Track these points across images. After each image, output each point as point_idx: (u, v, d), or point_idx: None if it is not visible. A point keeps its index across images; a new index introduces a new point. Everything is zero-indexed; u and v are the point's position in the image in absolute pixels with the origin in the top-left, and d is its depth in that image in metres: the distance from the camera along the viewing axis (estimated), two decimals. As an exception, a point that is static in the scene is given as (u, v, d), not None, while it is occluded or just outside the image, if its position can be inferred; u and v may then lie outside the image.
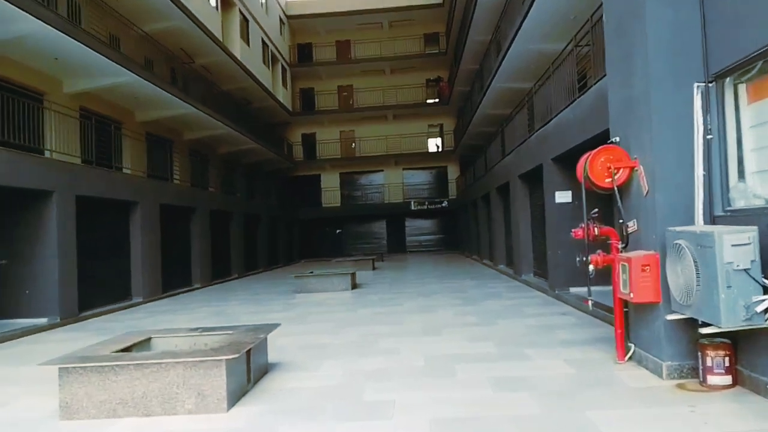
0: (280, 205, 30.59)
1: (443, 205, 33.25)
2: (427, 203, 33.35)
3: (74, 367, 4.60)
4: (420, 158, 34.49)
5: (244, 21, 25.34)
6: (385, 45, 34.25)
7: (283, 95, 31.62)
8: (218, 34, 21.69)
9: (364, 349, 7.12)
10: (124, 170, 15.25)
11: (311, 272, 15.41)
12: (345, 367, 6.13)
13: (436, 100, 34.33)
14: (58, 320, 10.60)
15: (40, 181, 10.61)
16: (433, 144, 35.33)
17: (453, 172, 34.75)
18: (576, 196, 10.49)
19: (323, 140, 34.90)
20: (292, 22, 33.87)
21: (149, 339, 5.78)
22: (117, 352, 5.13)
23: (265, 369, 6.00)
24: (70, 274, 11.19)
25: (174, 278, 16.59)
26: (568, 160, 10.14)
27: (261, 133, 27.49)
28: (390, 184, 34.80)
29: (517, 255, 14.60)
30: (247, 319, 10.49)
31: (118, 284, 13.73)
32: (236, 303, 13.28)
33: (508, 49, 15.09)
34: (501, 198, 17.87)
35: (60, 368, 4.62)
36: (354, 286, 15.34)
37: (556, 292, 10.62)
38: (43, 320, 10.44)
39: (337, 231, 35.19)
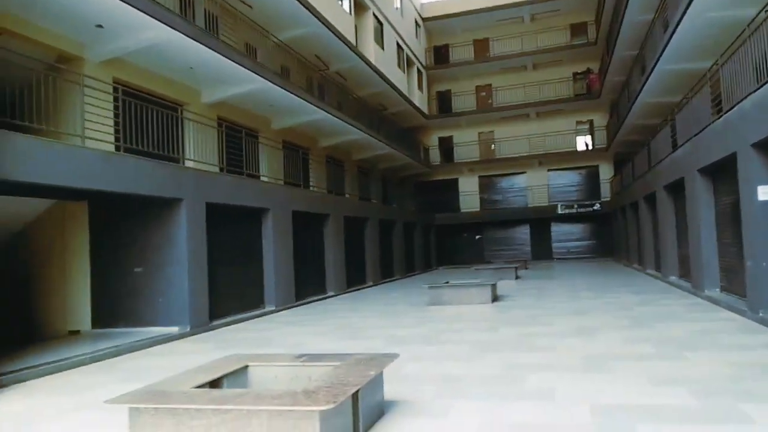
0: (416, 210, 29.76)
1: (594, 207, 30.07)
2: (576, 206, 30.40)
3: (145, 408, 3.76)
4: (567, 158, 31.63)
5: (378, 25, 24.92)
6: (527, 39, 32.05)
7: (419, 99, 30.84)
8: (351, 39, 21.38)
9: (508, 387, 5.63)
10: (262, 178, 15.27)
11: (447, 282, 14.11)
12: (482, 415, 4.72)
13: (585, 93, 31.29)
14: (188, 329, 10.45)
15: (172, 189, 10.58)
16: (582, 142, 32.21)
17: (606, 172, 31.37)
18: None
19: (461, 143, 33.53)
20: (428, 24, 33.02)
21: (246, 367, 4.87)
22: (204, 385, 4.25)
23: (381, 411, 4.79)
24: (200, 282, 11.06)
25: (307, 286, 16.28)
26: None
27: (396, 138, 26.90)
28: (533, 187, 32.37)
29: (697, 265, 11.99)
30: (373, 333, 9.47)
31: (250, 292, 13.57)
32: (366, 314, 12.39)
33: (680, 20, 12.57)
34: (671, 197, 15.11)
35: (130, 408, 3.81)
36: (494, 298, 13.76)
37: (761, 314, 8.18)
38: (174, 329, 10.35)
39: (477, 237, 33.51)
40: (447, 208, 33.22)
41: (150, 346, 9.33)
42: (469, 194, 33.37)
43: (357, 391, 4.04)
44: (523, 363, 6.65)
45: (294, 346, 8.79)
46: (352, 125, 19.76)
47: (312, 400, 3.54)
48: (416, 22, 31.42)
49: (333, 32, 18.67)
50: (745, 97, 8.46)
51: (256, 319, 12.61)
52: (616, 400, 4.93)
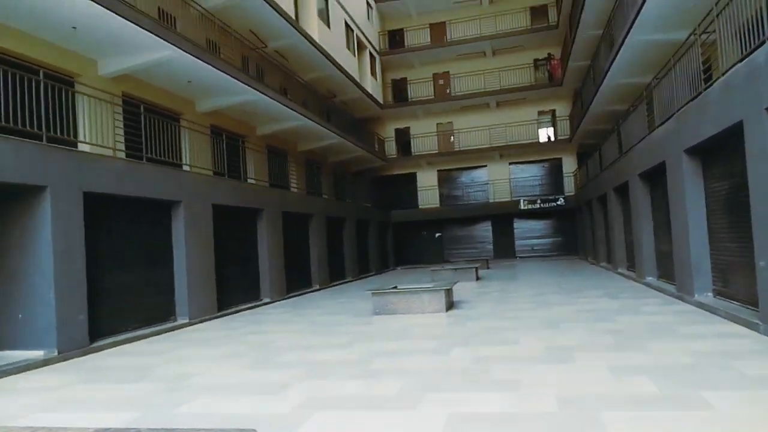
0: (372, 206, 27.64)
1: (558, 202, 28.52)
2: (539, 201, 28.79)
3: None
4: (529, 150, 30.00)
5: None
6: (485, 23, 30.25)
7: (372, 86, 28.69)
8: (291, 13, 19.06)
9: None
10: (185, 167, 13.00)
11: (394, 287, 12.03)
12: None
13: (547, 81, 29.72)
14: (56, 353, 8.05)
15: (35, 174, 8.16)
16: (545, 134, 30.65)
17: (569, 165, 29.91)
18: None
19: (418, 134, 31.54)
20: (381, 6, 30.85)
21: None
22: None
23: None
24: (74, 293, 8.62)
25: (235, 293, 13.97)
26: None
27: (349, 129, 24.72)
28: (495, 181, 30.65)
29: (683, 265, 10.21)
30: (292, 358, 7.28)
31: (154, 303, 11.16)
32: (296, 328, 10.16)
33: None
34: (647, 186, 13.39)
35: None
36: (450, 305, 11.75)
37: (779, 328, 6.35)
38: (38, 353, 7.98)
39: (436, 235, 31.62)
40: (405, 205, 31.26)
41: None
42: (428, 189, 31.45)
43: None
44: (479, 414, 4.57)
45: (175, 379, 6.53)
46: (293, 109, 17.47)
47: None
48: (368, 2, 29.23)
49: (268, 2, 16.35)
50: (761, 44, 6.58)
51: (160, 336, 10.24)
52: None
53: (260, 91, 15.27)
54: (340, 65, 22.47)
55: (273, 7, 16.70)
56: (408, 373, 6.14)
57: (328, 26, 22.67)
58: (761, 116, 6.50)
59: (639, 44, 14.13)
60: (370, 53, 29.03)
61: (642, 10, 12.41)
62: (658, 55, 14.28)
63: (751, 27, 7.07)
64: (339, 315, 11.81)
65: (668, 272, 12.12)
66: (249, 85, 14.68)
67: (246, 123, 17.56)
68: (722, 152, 8.63)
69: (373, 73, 29.49)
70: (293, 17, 19.21)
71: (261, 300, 15.17)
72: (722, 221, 8.86)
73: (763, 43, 6.36)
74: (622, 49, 14.59)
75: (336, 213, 21.54)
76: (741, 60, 7.01)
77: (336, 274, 21.35)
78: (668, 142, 10.57)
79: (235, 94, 14.94)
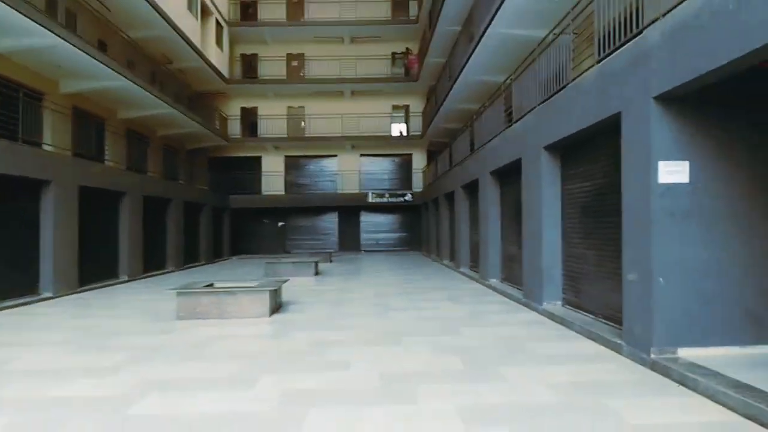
0: (209, 189, 24.63)
1: (406, 198, 27.99)
2: (387, 195, 28.00)
3: None
4: (381, 143, 29.07)
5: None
6: (346, 8, 28.68)
7: (218, 58, 25.62)
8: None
9: None
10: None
11: (210, 284, 9.82)
12: None
13: (403, 76, 29.02)
14: None
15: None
16: (397, 129, 29.95)
17: (419, 161, 29.57)
18: (704, 170, 5.42)
19: (266, 115, 29.02)
20: (233, -31, 27.88)
21: None
22: None
23: None
24: None
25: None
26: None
27: (187, 102, 21.60)
28: (344, 172, 29.28)
29: (531, 270, 9.42)
30: (15, 394, 4.87)
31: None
32: (54, 338, 7.55)
33: None
34: (498, 184, 12.69)
35: None
36: (276, 308, 9.88)
37: (653, 356, 5.44)
38: None
39: (279, 224, 29.41)
40: (247, 190, 28.60)
41: None
42: (273, 175, 29.10)
43: None
44: None
45: None
46: (106, 65, 14.19)
47: None
48: (218, -39, 26.10)
49: None
50: (653, 21, 5.64)
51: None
52: None
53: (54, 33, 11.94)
54: (176, 25, 19.31)
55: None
56: (184, 427, 4.15)
57: (164, -24, 19.37)
58: (645, 107, 5.55)
59: (499, 37, 13.46)
60: (217, 21, 25.91)
61: (504, 2, 11.63)
62: (519, 53, 13.80)
63: (629, 15, 6.19)
64: (133, 318, 9.30)
65: (514, 276, 11.45)
66: (38, 22, 11.33)
67: (42, 75, 13.90)
68: (586, 150, 7.82)
69: (219, 43, 26.39)
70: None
71: (40, 295, 11.92)
72: (579, 226, 8.09)
73: (656, 20, 5.39)
74: (482, 40, 13.84)
75: (158, 193, 18.46)
76: (627, 42, 6.05)
77: (155, 263, 18.30)
78: (527, 138, 9.73)
79: (29, 34, 11.51)
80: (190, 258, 21.72)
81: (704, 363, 5.02)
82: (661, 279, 5.34)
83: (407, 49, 29.39)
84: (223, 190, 26.69)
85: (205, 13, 24.38)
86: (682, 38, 4.89)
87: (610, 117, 6.40)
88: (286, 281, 10.84)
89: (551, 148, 8.76)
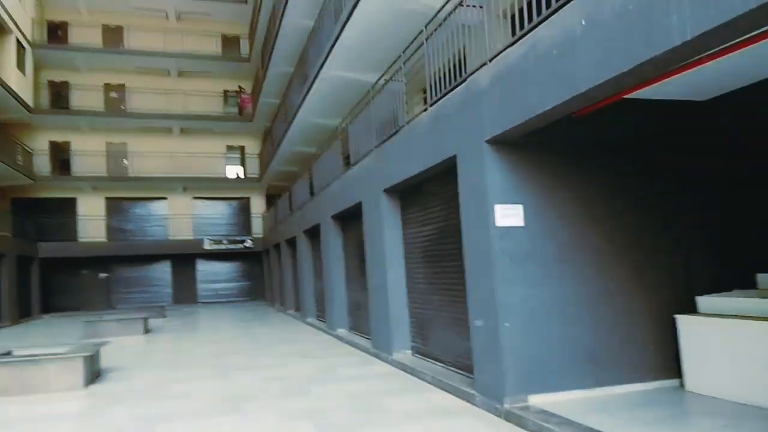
0: (13, 236, 20.94)
1: (246, 244, 26.63)
2: (225, 242, 26.39)
3: None
4: (216, 185, 27.54)
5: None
6: (172, 40, 27.02)
7: (19, 82, 22.33)
8: None
9: None
10: None
11: (7, 353, 7.99)
12: None
13: (237, 115, 28.04)
14: None
15: None
16: (233, 170, 28.68)
17: (258, 205, 28.46)
18: (538, 212, 5.54)
19: (82, 151, 25.77)
20: (38, -11, 24.88)
21: None
22: None
23: None
24: None
25: None
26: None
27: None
28: (176, 216, 27.07)
29: (378, 318, 9.14)
30: None
31: None
32: None
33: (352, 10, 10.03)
34: (341, 228, 12.39)
35: None
36: (94, 377, 8.35)
37: (506, 406, 5.32)
38: None
39: (101, 275, 26.08)
40: (61, 236, 24.91)
41: None
42: (92, 219, 25.82)
43: None
44: None
45: None
46: None
47: None
48: (16, -22, 23.09)
49: None
50: (481, 66, 5.71)
51: None
52: None
53: None
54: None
55: None
56: None
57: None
58: (477, 149, 5.57)
59: (333, 80, 13.41)
60: (18, 41, 22.68)
61: (336, 45, 11.60)
62: (354, 97, 13.83)
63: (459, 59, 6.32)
64: None
65: (362, 324, 11.10)
66: None
67: None
68: (424, 193, 7.81)
69: (21, 66, 23.07)
70: None
71: None
72: (422, 270, 8.00)
73: (484, 65, 5.49)
74: (315, 82, 13.69)
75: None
76: (457, 85, 6.11)
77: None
78: (366, 181, 9.57)
79: None
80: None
81: (555, 410, 4.99)
82: (507, 323, 5.29)
83: (240, 87, 28.55)
84: (30, 237, 22.97)
85: (2, 31, 21.23)
86: (510, 82, 4.98)
87: (446, 160, 6.40)
88: (105, 343, 9.29)
89: (391, 191, 8.67)
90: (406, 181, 7.89)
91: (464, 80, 5.94)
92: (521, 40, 4.84)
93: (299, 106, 15.93)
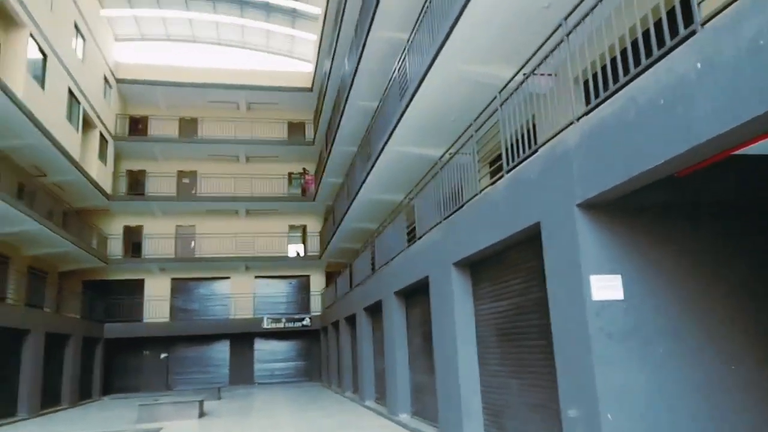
0: (82, 317, 21.54)
1: (304, 322, 26.29)
2: (284, 320, 26.15)
3: None
4: (277, 264, 27.74)
5: (42, 55, 18.21)
6: (241, 128, 28.42)
7: (99, 172, 23.82)
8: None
9: None
10: None
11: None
12: None
13: (300, 195, 28.68)
14: None
15: None
16: (294, 250, 28.96)
17: (317, 283, 28.36)
18: (640, 283, 4.90)
19: (153, 234, 26.85)
20: (123, 87, 27.01)
21: None
22: None
23: None
24: None
25: None
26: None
27: (60, 218, 19.45)
28: (237, 295, 27.23)
29: (448, 402, 8.37)
30: None
31: None
32: None
33: (412, 96, 10.12)
34: (404, 305, 11.86)
35: None
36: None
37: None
38: None
39: (162, 356, 26.15)
40: (127, 317, 25.41)
41: None
42: (158, 300, 26.35)
43: None
44: None
45: None
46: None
47: None
48: (105, 78, 25.19)
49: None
50: (568, 125, 5.34)
51: None
52: None
53: None
54: (51, 135, 17.75)
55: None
56: None
57: (42, 86, 18.10)
58: (571, 215, 5.07)
59: (396, 155, 13.43)
60: (102, 135, 24.49)
61: (400, 122, 11.66)
62: (417, 172, 13.71)
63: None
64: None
65: (426, 409, 10.28)
66: None
67: None
68: (499, 265, 7.28)
69: (103, 157, 24.77)
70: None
71: None
72: (497, 350, 7.32)
73: (571, 124, 5.12)
74: (379, 158, 13.74)
75: (14, 324, 15.67)
76: (540, 146, 5.74)
77: (1, 409, 15.04)
78: (433, 255, 9.15)
79: None
80: (50, 400, 18.28)
81: None
82: (609, 415, 4.54)
83: (304, 169, 29.38)
84: (97, 318, 23.55)
85: (88, 125, 22.94)
86: (604, 140, 4.55)
87: (526, 228, 5.92)
88: (159, 430, 8.90)
89: (461, 265, 8.19)
90: (479, 253, 7.41)
91: (548, 141, 5.57)
92: (615, 95, 4.46)
93: (362, 182, 16.00)
